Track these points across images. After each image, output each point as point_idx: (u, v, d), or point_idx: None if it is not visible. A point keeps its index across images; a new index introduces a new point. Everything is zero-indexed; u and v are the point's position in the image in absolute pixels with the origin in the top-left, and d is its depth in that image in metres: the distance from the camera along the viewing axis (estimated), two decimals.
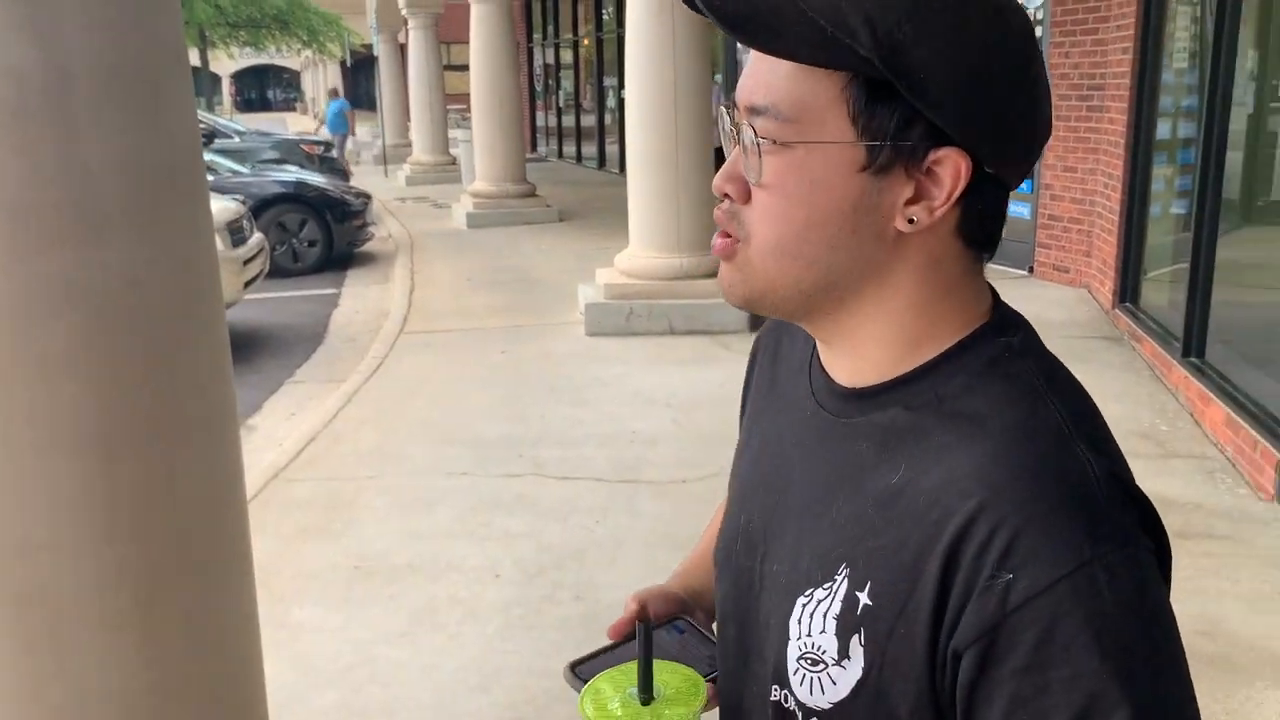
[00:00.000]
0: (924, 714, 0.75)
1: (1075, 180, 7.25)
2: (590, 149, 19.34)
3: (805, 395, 0.90)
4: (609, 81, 17.91)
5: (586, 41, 19.15)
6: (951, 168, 0.74)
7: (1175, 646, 0.70)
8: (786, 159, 0.76)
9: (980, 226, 0.78)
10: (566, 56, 20.87)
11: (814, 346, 0.90)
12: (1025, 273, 7.79)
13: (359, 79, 44.73)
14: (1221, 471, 4.35)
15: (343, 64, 30.45)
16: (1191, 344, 5.26)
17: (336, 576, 3.70)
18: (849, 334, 0.82)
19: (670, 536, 3.90)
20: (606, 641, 1.00)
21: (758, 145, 0.76)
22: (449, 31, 17.25)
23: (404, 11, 15.93)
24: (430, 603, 3.50)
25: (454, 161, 16.74)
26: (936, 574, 0.72)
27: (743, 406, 1.07)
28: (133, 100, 1.43)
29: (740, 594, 0.91)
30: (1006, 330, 0.81)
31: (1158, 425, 4.86)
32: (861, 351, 0.82)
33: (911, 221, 0.76)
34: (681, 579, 1.13)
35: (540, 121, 22.23)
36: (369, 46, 25.32)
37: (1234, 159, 5.20)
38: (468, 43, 11.73)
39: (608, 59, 17.93)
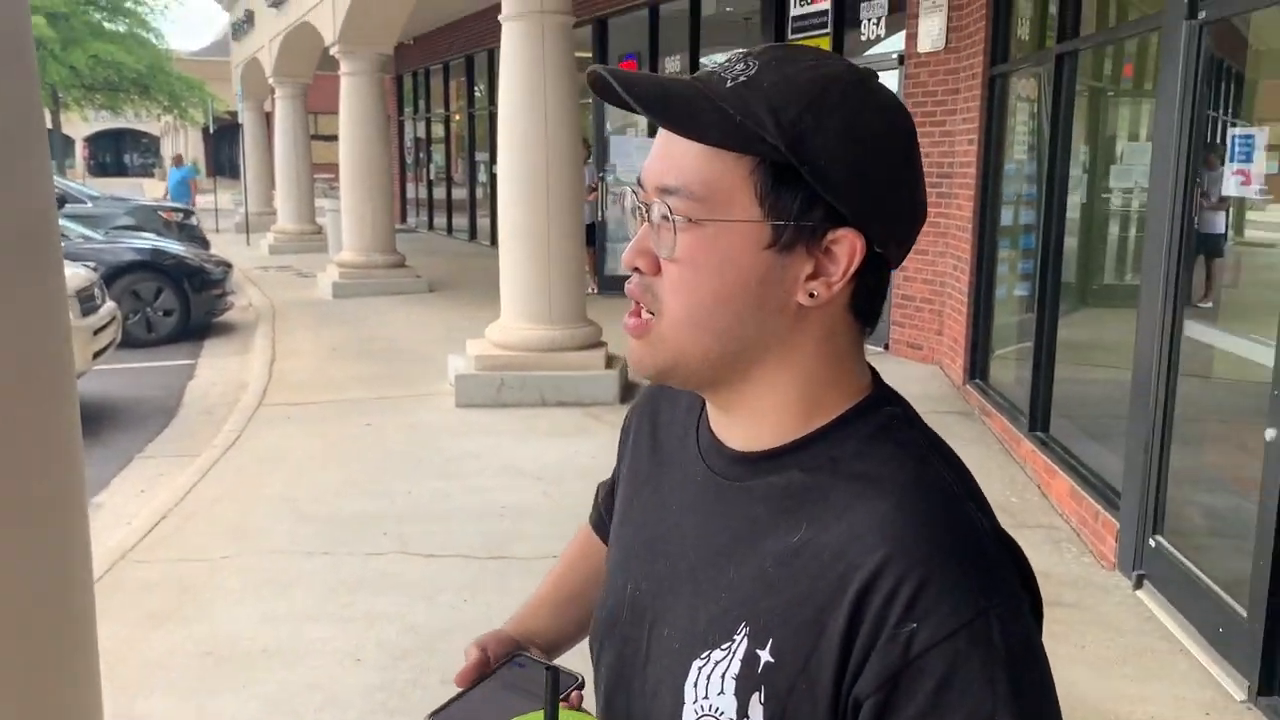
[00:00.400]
0: None
1: (927, 262, 7.59)
2: (461, 221, 19.32)
3: (694, 461, 0.93)
4: (480, 156, 17.98)
5: (458, 117, 19.24)
6: (847, 247, 0.80)
7: (1054, 694, 0.77)
8: (698, 235, 0.80)
9: (868, 302, 0.85)
10: (438, 131, 20.90)
11: (700, 413, 0.95)
12: (881, 349, 8.08)
13: (221, 146, 43.73)
14: (1067, 541, 4.55)
15: (205, 130, 29.75)
16: (1037, 419, 5.53)
17: (187, 664, 3.51)
18: (749, 402, 0.86)
19: None
20: (458, 690, 0.99)
21: (672, 222, 0.80)
22: (317, 101, 17.10)
23: (271, 80, 15.74)
24: (286, 690, 3.35)
25: (320, 231, 16.49)
26: (842, 625, 0.76)
27: (617, 476, 1.09)
28: None
29: (626, 664, 0.92)
30: (890, 401, 0.87)
31: (1008, 497, 5.07)
32: (760, 418, 0.86)
33: (812, 296, 0.81)
34: (516, 624, 1.15)
35: (411, 193, 22.12)
36: (234, 113, 24.85)
37: (1069, 244, 5.56)
38: (335, 113, 11.65)
39: (479, 134, 18.03)
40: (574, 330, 6.89)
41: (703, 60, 11.05)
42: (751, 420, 0.87)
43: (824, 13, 8.74)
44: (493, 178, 17.16)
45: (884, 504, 0.79)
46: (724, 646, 0.82)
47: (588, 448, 5.83)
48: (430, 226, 21.12)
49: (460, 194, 19.38)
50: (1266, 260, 4.60)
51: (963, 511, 0.80)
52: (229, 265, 10.72)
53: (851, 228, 0.80)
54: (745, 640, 0.81)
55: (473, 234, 18.66)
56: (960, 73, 7.04)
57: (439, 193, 20.76)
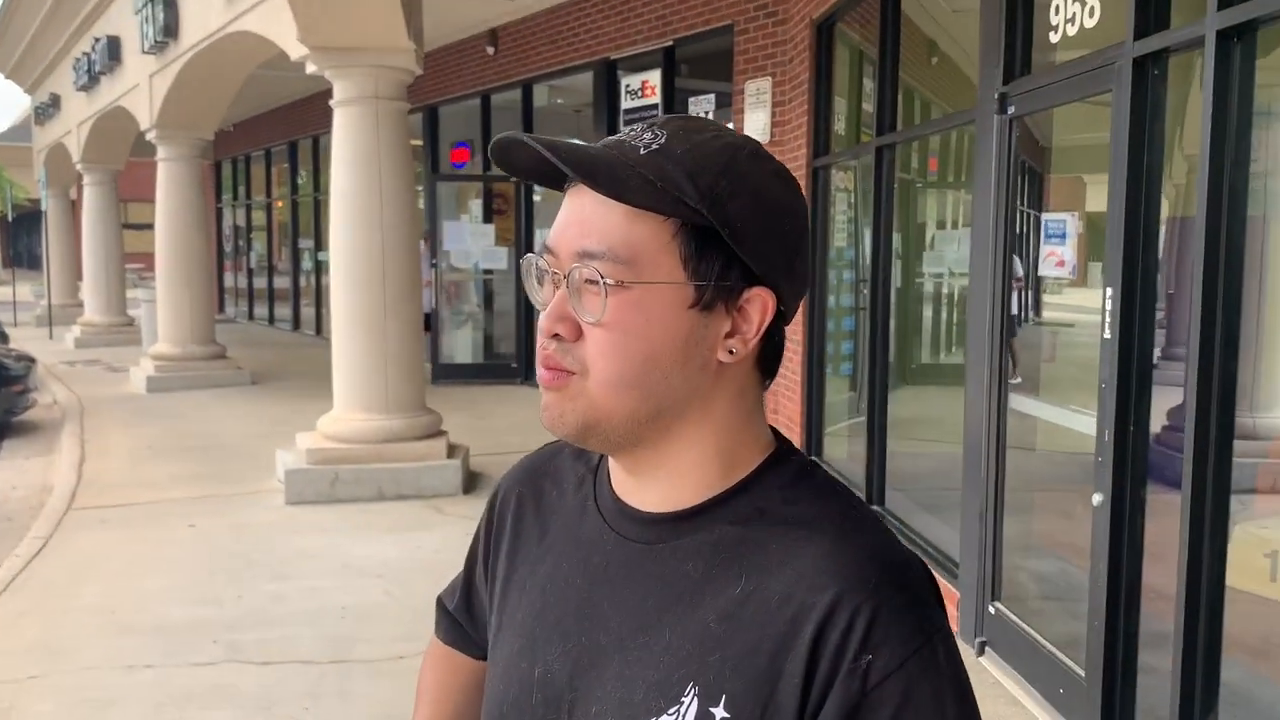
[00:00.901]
0: None
1: None
2: (284, 311, 18.71)
3: (598, 532, 0.91)
4: (304, 243, 17.55)
5: (280, 203, 18.77)
6: (760, 305, 0.84)
7: (976, 706, 0.81)
8: (625, 298, 0.81)
9: (772, 358, 0.89)
10: (259, 218, 20.31)
11: (593, 485, 0.95)
12: None
13: (19, 235, 41.25)
14: None
15: (2, 219, 27.98)
16: (872, 493, 5.70)
17: None
18: (667, 460, 0.87)
19: (390, 719, 3.65)
20: None
21: (602, 286, 0.81)
22: (128, 189, 16.37)
23: (79, 167, 14.98)
24: None
25: (131, 322, 15.66)
26: (801, 666, 0.77)
27: (473, 572, 1.07)
28: None
29: None
30: (794, 450, 0.91)
31: None
32: (679, 477, 0.87)
33: (730, 353, 0.84)
34: None
35: (230, 282, 21.33)
36: (34, 201, 23.49)
37: (893, 325, 5.83)
38: (147, 200, 11.18)
39: (303, 221, 17.62)
40: (412, 419, 6.71)
41: None
42: (670, 480, 0.87)
43: (654, 106, 9.01)
44: (317, 265, 16.83)
45: (822, 544, 0.81)
46: (671, 711, 0.81)
47: (431, 542, 5.64)
48: (251, 316, 20.38)
49: (283, 283, 18.81)
50: (1067, 338, 4.96)
51: (894, 542, 0.84)
52: (31, 360, 10.00)
53: (763, 286, 0.83)
54: (695, 700, 0.80)
55: (296, 324, 18.09)
56: (786, 164, 7.35)
57: (260, 281, 20.10)
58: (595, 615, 0.88)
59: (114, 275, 15.71)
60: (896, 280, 5.92)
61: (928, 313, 6.84)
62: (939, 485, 5.45)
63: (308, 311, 17.61)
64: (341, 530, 5.90)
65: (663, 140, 0.83)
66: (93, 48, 12.85)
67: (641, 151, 0.82)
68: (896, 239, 5.90)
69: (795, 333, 7.23)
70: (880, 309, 5.70)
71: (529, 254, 0.88)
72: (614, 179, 0.80)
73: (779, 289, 0.84)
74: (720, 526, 0.85)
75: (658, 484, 0.88)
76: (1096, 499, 3.35)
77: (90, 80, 13.25)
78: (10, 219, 23.60)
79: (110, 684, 3.94)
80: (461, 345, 12.25)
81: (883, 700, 0.76)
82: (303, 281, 17.91)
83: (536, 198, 11.37)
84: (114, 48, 12.03)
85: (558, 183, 0.88)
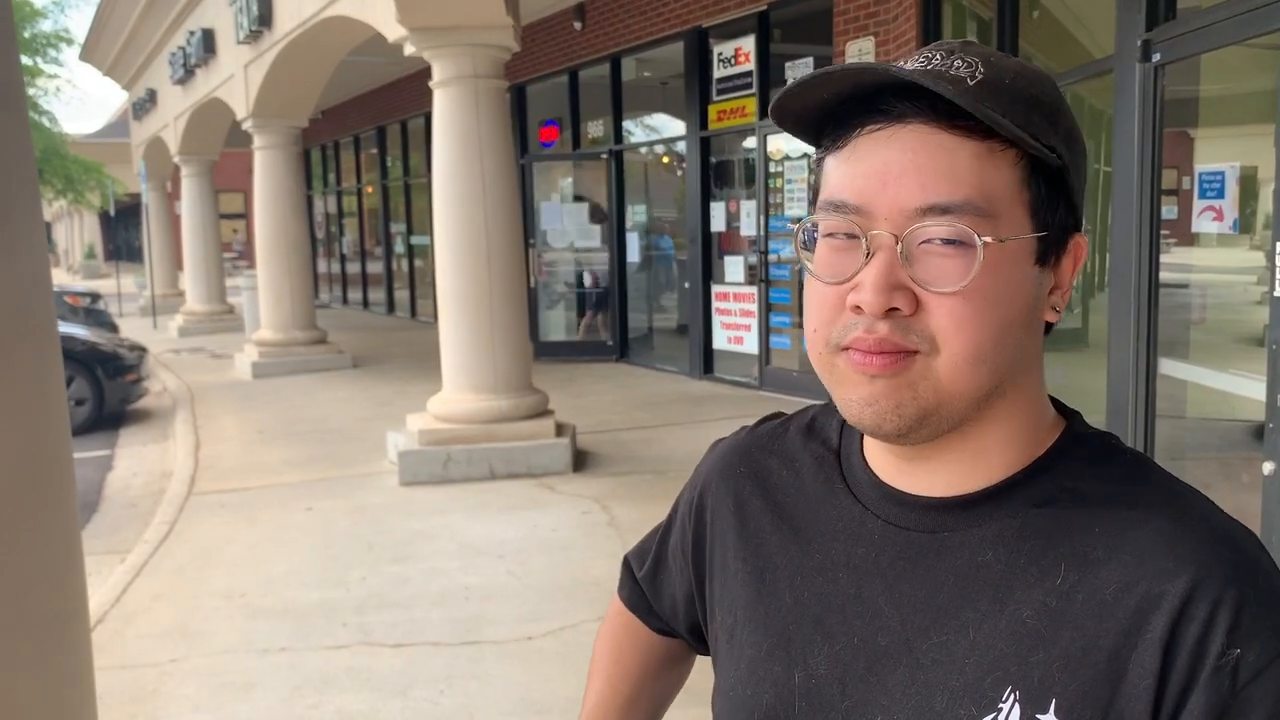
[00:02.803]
0: None
1: None
2: (378, 295, 18.98)
3: (858, 520, 0.81)
4: (395, 227, 17.76)
5: (370, 189, 19.00)
6: (1074, 252, 0.76)
7: None
8: (985, 259, 0.70)
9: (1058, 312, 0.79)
10: (349, 204, 20.61)
11: (838, 466, 0.85)
12: None
13: (118, 229, 42.57)
14: None
15: (103, 214, 28.92)
16: None
17: None
18: (971, 440, 0.76)
19: (527, 701, 3.62)
20: None
21: (980, 245, 0.69)
22: (220, 179, 16.71)
23: (177, 159, 15.33)
24: None
25: (231, 310, 16.03)
26: (1154, 665, 0.67)
27: (694, 552, 0.94)
28: None
29: None
30: (1082, 419, 0.81)
31: None
32: (978, 458, 0.77)
33: (1055, 310, 0.76)
34: None
35: (323, 269, 21.70)
36: (134, 195, 24.18)
37: None
38: (238, 191, 11.37)
39: (394, 206, 17.81)
40: (520, 399, 6.70)
41: (625, 125, 11.09)
42: (967, 461, 0.77)
43: (749, 73, 8.83)
44: (409, 249, 17.01)
45: (1164, 525, 0.71)
46: (988, 718, 0.71)
47: (546, 521, 5.62)
48: (345, 301, 20.73)
49: (375, 267, 19.07)
50: (1183, 299, 4.70)
51: (1236, 523, 0.73)
52: (144, 349, 10.26)
53: (1079, 232, 0.76)
54: (1016, 706, 0.70)
55: (390, 307, 18.34)
56: None
57: (352, 267, 20.42)
58: (869, 614, 0.78)
59: (213, 264, 16.09)
60: None
61: None
62: None
63: (401, 295, 17.83)
64: (457, 510, 5.91)
65: (982, 70, 0.72)
66: (188, 41, 13.10)
67: (970, 83, 0.71)
68: None
69: None
70: None
71: (802, 219, 0.78)
72: (989, 112, 0.68)
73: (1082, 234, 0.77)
74: (1023, 510, 0.75)
75: (949, 466, 0.77)
76: (1268, 468, 3.14)
77: (186, 73, 13.52)
78: (112, 214, 24.31)
79: (247, 667, 3.99)
80: (556, 324, 12.25)
81: (1256, 700, 0.66)
82: (395, 265, 18.13)
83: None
84: (209, 40, 12.25)
85: (816, 137, 0.77)
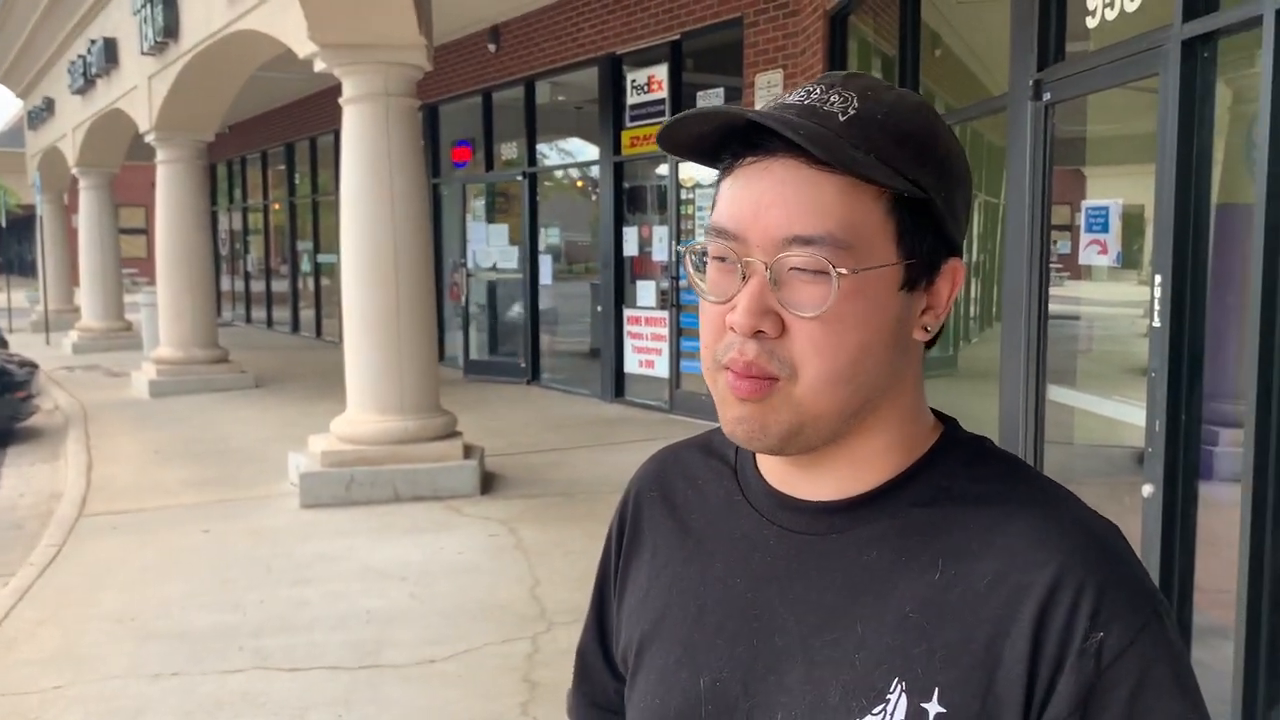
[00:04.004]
0: None
1: None
2: (283, 314, 18.60)
3: (754, 527, 0.85)
4: (303, 245, 17.45)
5: (278, 206, 18.65)
6: (950, 276, 0.80)
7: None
8: (845, 287, 0.74)
9: (941, 329, 0.83)
10: (255, 221, 20.19)
11: (736, 478, 0.89)
12: None
13: (10, 241, 40.97)
14: None
15: None
16: None
17: None
18: (851, 450, 0.81)
19: None
20: None
21: (835, 276, 0.73)
22: (120, 193, 16.23)
23: (75, 170, 14.87)
24: None
25: (129, 327, 15.55)
26: (1024, 651, 0.72)
27: (619, 573, 0.96)
28: None
29: None
30: (960, 426, 0.86)
31: None
32: (860, 463, 0.81)
33: (926, 330, 0.80)
34: None
35: (226, 286, 21.19)
36: (27, 207, 23.33)
37: None
38: (139, 205, 11.06)
39: (301, 223, 17.51)
40: (428, 420, 6.63)
41: (539, 147, 11.12)
42: (849, 468, 0.81)
43: (661, 101, 8.94)
44: (316, 267, 16.73)
45: (1031, 519, 0.76)
46: (876, 710, 0.75)
47: (452, 543, 5.56)
48: (248, 320, 20.27)
49: (281, 286, 18.70)
50: (1071, 331, 4.90)
51: (1097, 515, 0.78)
52: (34, 366, 9.89)
53: (955, 257, 0.80)
54: (903, 697, 0.74)
55: (295, 326, 17.99)
56: None
57: (257, 285, 19.98)
58: (766, 616, 0.81)
59: (111, 279, 15.60)
60: None
61: None
62: None
63: (307, 314, 17.51)
64: (360, 533, 5.82)
65: (856, 104, 0.76)
66: (88, 50, 12.74)
67: (841, 119, 0.75)
68: None
69: None
70: None
71: (691, 241, 0.84)
72: (845, 153, 0.72)
73: (962, 257, 0.81)
74: (904, 510, 0.79)
75: (834, 472, 0.82)
76: (1147, 490, 3.29)
77: (86, 83, 13.14)
78: (3, 226, 23.41)
79: (137, 693, 3.86)
80: (474, 344, 12.19)
81: (1119, 679, 0.71)
82: (301, 284, 17.81)
83: (539, 198, 11.28)
84: (111, 49, 11.93)
85: (714, 159, 0.81)
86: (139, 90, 11.04)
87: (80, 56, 13.29)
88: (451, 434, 6.74)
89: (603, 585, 1.00)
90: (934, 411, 0.86)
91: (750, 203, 0.75)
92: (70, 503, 6.71)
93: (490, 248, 11.67)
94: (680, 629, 0.86)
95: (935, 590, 0.75)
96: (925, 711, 0.73)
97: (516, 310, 11.51)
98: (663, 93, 8.92)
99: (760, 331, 0.75)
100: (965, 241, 0.84)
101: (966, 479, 0.80)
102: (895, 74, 5.63)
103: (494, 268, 11.73)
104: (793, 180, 0.74)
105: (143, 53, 10.41)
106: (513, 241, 11.47)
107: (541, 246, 11.15)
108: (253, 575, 5.17)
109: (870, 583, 0.78)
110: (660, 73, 8.95)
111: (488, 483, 6.70)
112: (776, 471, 0.85)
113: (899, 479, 0.81)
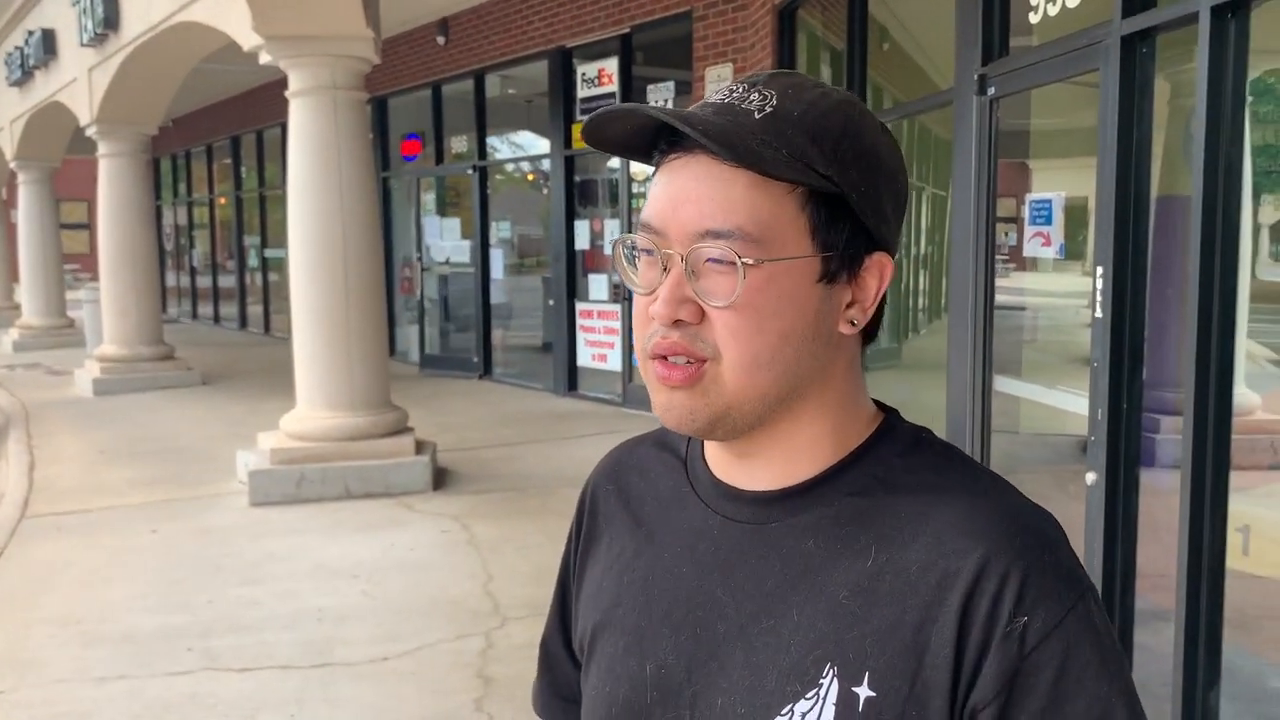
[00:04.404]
0: None
1: None
2: (230, 310, 18.34)
3: (700, 518, 0.87)
4: (249, 240, 17.21)
5: (224, 200, 18.37)
6: (877, 270, 0.81)
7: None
8: (756, 277, 0.76)
9: (876, 323, 0.85)
10: (201, 215, 19.87)
11: (685, 471, 0.91)
12: None
13: None
14: None
15: None
16: None
17: None
18: (784, 439, 0.83)
19: None
20: None
21: (740, 267, 0.76)
22: (60, 187, 15.88)
23: (13, 165, 14.53)
24: None
25: (72, 324, 15.23)
26: (950, 636, 0.74)
27: (577, 566, 0.99)
28: None
29: None
30: (900, 416, 0.87)
31: None
32: (795, 453, 0.83)
33: (853, 324, 0.82)
34: None
35: (172, 282, 20.83)
36: None
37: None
38: (81, 199, 10.83)
39: (248, 218, 17.27)
40: (379, 416, 6.58)
41: (489, 141, 11.05)
42: (784, 458, 0.83)
43: (612, 94, 8.93)
44: (264, 262, 16.51)
45: (960, 507, 0.78)
46: (810, 695, 0.77)
47: (404, 540, 5.53)
48: (195, 316, 19.96)
49: (227, 281, 18.43)
50: (1015, 321, 4.99)
51: (1030, 503, 0.80)
52: None
53: (881, 251, 0.81)
54: (835, 681, 0.76)
55: (243, 323, 17.75)
56: None
57: (203, 280, 19.68)
58: (709, 603, 0.83)
59: (53, 276, 15.28)
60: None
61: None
62: None
63: (255, 310, 17.28)
64: (311, 531, 5.76)
65: (774, 102, 0.78)
66: (26, 41, 12.44)
67: (756, 116, 0.77)
68: None
69: None
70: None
71: (623, 235, 0.85)
72: (749, 150, 0.75)
73: (892, 254, 0.82)
74: (838, 499, 0.81)
75: (770, 463, 0.84)
76: (1090, 478, 3.35)
77: (24, 75, 12.83)
78: None
79: (83, 697, 3.79)
80: (427, 339, 12.10)
81: (1043, 662, 0.72)
82: (248, 279, 17.57)
83: (490, 190, 11.22)
84: (49, 41, 11.66)
85: (646, 156, 0.83)
86: (79, 82, 10.81)
87: (18, 48, 12.98)
88: (403, 430, 6.70)
89: (564, 578, 1.02)
90: (877, 403, 0.88)
91: (669, 198, 0.78)
92: (12, 504, 6.57)
93: (443, 242, 11.59)
94: (630, 617, 0.88)
95: (867, 577, 0.77)
96: (856, 695, 0.75)
97: (468, 305, 11.45)
98: (613, 86, 8.91)
99: (679, 320, 0.78)
100: (902, 236, 0.86)
101: (901, 468, 0.82)
102: (844, 68, 5.67)
103: (447, 262, 11.66)
104: (707, 176, 0.77)
105: (82, 44, 10.19)
106: (464, 235, 11.40)
107: (493, 240, 11.09)
108: (201, 575, 5.10)
109: (806, 570, 0.80)
110: (610, 66, 8.94)
111: (440, 478, 6.66)
112: (721, 463, 0.87)
113: (834, 468, 0.83)
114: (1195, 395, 2.85)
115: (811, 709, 0.76)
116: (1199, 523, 2.88)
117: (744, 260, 0.75)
